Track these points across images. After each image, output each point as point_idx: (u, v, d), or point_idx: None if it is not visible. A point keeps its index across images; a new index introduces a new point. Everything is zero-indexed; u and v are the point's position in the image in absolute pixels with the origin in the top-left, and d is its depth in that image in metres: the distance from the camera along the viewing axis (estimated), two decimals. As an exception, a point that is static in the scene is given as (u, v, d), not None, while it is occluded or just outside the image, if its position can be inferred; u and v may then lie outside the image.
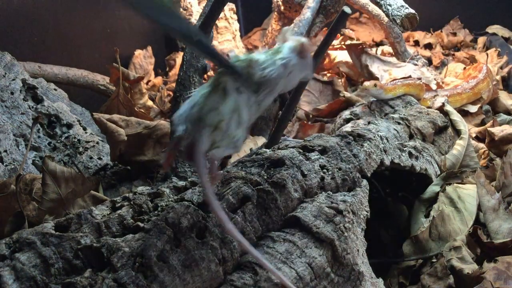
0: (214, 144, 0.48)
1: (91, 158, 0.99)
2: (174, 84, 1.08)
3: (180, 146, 0.49)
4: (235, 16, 1.99)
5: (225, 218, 0.47)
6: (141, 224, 0.52)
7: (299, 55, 0.54)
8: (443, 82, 1.41)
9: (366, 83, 1.03)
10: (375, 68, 1.46)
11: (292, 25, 1.49)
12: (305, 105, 1.35)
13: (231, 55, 0.52)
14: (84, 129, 1.06)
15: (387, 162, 0.74)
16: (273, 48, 0.54)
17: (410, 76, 1.23)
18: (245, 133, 0.51)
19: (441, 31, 2.05)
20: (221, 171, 0.53)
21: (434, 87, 1.28)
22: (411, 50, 1.68)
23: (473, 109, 1.26)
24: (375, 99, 1.05)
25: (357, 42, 1.65)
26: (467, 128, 1.01)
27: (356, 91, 1.43)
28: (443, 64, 1.70)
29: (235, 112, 0.49)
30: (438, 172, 0.88)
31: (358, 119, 0.99)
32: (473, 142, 1.08)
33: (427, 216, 0.81)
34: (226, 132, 0.49)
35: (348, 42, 1.69)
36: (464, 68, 1.53)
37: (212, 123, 0.48)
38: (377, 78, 1.41)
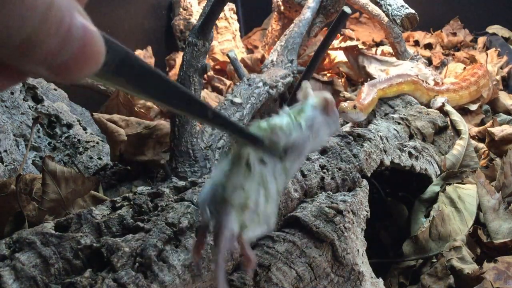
0: (244, 226, 0.43)
1: (91, 158, 0.99)
2: (174, 84, 1.08)
3: (209, 234, 0.45)
4: (235, 16, 1.99)
5: None
6: (141, 224, 0.52)
7: (324, 112, 0.50)
8: (443, 83, 1.41)
9: (344, 104, 0.85)
10: (373, 68, 1.45)
11: (292, 25, 1.49)
12: (305, 105, 1.35)
13: (251, 127, 0.47)
14: (84, 129, 1.06)
15: (387, 162, 0.74)
16: (294, 108, 0.50)
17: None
18: (276, 207, 0.46)
19: (441, 31, 2.05)
20: (255, 256, 0.47)
21: (431, 84, 1.28)
22: (411, 50, 1.68)
23: (473, 107, 1.26)
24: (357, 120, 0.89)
25: (353, 43, 1.65)
26: (467, 128, 1.01)
27: (355, 92, 1.43)
28: (443, 64, 1.70)
29: (262, 186, 0.44)
30: (438, 172, 0.88)
31: (358, 119, 0.99)
32: (473, 142, 1.08)
33: (427, 216, 0.81)
34: (255, 210, 0.44)
35: (344, 44, 1.69)
36: (464, 68, 1.53)
37: (239, 203, 0.43)
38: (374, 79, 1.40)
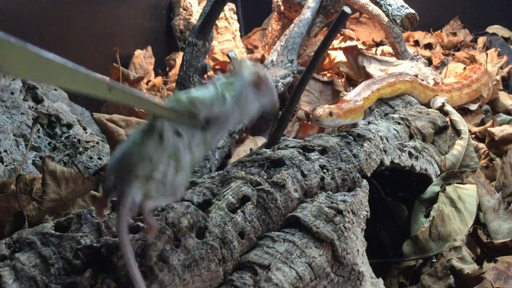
0: (148, 195, 0.44)
1: (91, 158, 0.99)
2: (174, 84, 1.08)
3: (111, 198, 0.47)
4: (235, 16, 1.99)
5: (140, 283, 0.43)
6: (141, 224, 0.52)
7: (254, 86, 0.50)
8: (443, 83, 1.41)
9: (318, 112, 0.79)
10: (372, 68, 1.45)
11: (292, 25, 1.49)
12: (305, 105, 1.35)
13: (169, 99, 0.47)
14: (84, 129, 1.06)
15: (387, 162, 0.74)
16: (225, 79, 0.49)
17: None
18: (187, 177, 0.47)
19: (441, 31, 2.05)
20: (158, 223, 0.48)
21: (431, 83, 1.28)
22: (411, 50, 1.68)
23: (473, 107, 1.26)
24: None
25: (353, 43, 1.65)
26: (467, 128, 1.01)
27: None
28: (443, 64, 1.70)
29: (173, 158, 0.45)
30: (438, 172, 0.88)
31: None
32: (473, 142, 1.08)
33: (427, 216, 0.81)
34: (162, 181, 0.44)
35: (344, 44, 1.69)
36: (464, 68, 1.53)
37: (143, 173, 0.43)
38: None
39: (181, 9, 1.90)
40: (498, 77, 1.50)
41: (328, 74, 1.60)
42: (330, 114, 0.79)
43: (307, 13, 1.50)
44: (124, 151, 0.44)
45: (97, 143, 1.03)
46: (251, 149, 0.86)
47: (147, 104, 0.43)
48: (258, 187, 0.59)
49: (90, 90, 0.35)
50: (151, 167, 0.44)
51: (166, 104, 0.46)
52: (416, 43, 1.98)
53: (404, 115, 0.93)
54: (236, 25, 1.98)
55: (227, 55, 1.34)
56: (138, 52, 1.74)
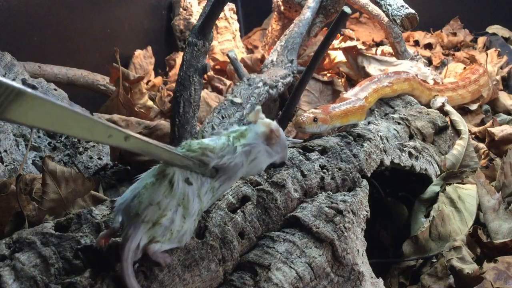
0: (154, 240, 0.45)
1: (91, 158, 0.99)
2: (174, 84, 1.08)
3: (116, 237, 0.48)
4: (235, 16, 1.99)
5: None
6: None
7: (266, 141, 0.51)
8: (443, 83, 1.41)
9: (301, 118, 0.73)
10: (372, 68, 1.45)
11: (292, 25, 1.49)
12: (305, 105, 1.35)
13: (181, 146, 0.48)
14: (84, 129, 1.05)
15: (387, 162, 0.74)
16: (239, 129, 0.51)
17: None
18: (194, 225, 0.48)
19: (441, 31, 2.05)
20: (169, 258, 0.48)
21: (431, 83, 1.28)
22: (411, 50, 1.68)
23: (473, 107, 1.26)
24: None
25: (353, 44, 1.65)
26: (467, 128, 1.01)
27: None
28: (443, 64, 1.70)
29: (182, 205, 0.46)
30: (438, 172, 0.88)
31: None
32: (473, 142, 1.08)
33: (427, 216, 0.81)
34: (169, 227, 0.45)
35: (344, 44, 1.68)
36: (464, 68, 1.53)
37: (151, 219, 0.44)
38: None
39: (181, 9, 1.90)
40: (498, 77, 1.50)
41: (328, 74, 1.60)
42: (315, 120, 0.73)
43: (307, 13, 1.50)
44: (134, 193, 0.45)
45: (97, 143, 1.03)
46: (251, 149, 0.85)
47: (160, 151, 0.44)
48: (258, 187, 0.59)
49: (106, 140, 0.37)
50: (159, 213, 0.44)
51: (178, 150, 0.47)
52: (416, 43, 1.98)
53: (404, 115, 0.93)
54: (236, 25, 1.98)
55: (227, 55, 1.34)
56: (138, 52, 1.74)
